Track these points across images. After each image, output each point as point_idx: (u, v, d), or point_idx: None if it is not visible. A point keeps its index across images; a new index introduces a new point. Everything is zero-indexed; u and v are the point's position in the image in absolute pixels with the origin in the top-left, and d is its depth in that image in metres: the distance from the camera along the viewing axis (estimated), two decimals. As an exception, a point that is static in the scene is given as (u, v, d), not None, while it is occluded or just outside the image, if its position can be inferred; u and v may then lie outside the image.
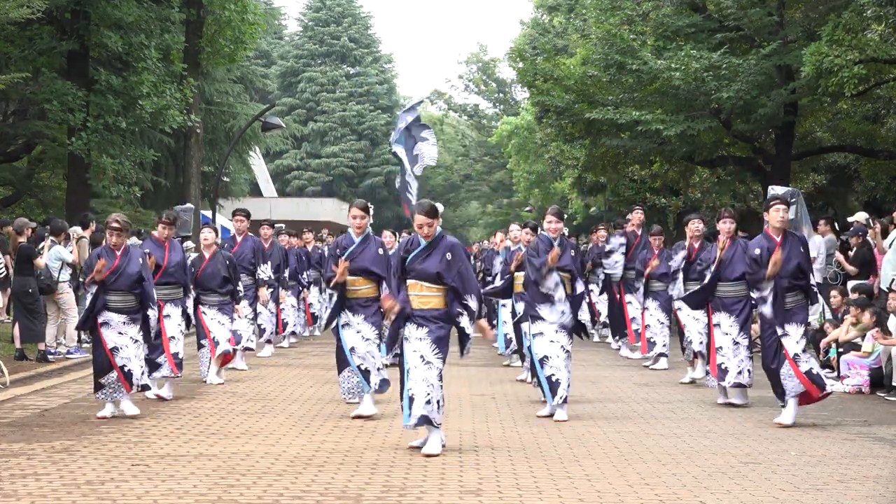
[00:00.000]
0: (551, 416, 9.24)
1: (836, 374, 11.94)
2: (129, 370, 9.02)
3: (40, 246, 13.28)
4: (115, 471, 6.71)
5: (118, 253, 9.10)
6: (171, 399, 10.15)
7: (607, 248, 15.37)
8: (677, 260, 12.04)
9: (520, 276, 11.07)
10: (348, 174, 53.08)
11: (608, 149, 22.26)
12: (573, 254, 9.54)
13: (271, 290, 13.87)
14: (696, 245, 11.71)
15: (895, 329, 11.27)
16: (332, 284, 9.20)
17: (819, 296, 9.38)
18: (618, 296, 15.43)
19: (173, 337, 10.29)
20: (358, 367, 9.14)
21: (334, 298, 9.31)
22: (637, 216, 14.98)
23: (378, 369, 9.20)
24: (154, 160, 23.43)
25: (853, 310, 12.09)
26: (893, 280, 12.38)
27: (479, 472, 6.84)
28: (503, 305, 13.67)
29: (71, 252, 13.65)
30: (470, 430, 8.56)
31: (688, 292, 11.81)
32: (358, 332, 9.13)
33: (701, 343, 11.84)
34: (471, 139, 57.27)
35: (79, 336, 13.83)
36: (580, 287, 9.45)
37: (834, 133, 22.07)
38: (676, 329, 13.06)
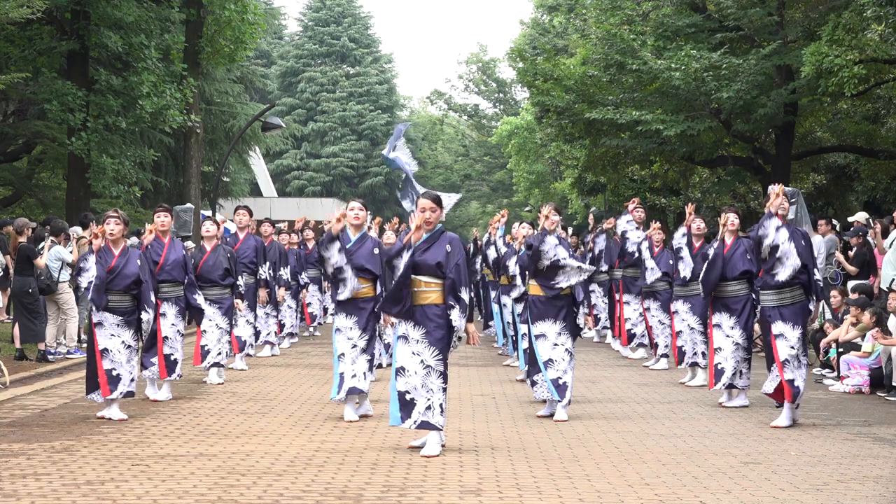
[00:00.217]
0: (551, 416, 9.25)
1: (836, 374, 11.94)
2: (117, 374, 8.92)
3: (40, 246, 13.28)
4: (115, 471, 6.71)
5: (116, 252, 9.06)
6: (170, 399, 10.16)
7: (629, 247, 14.32)
8: (678, 237, 11.87)
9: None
10: (348, 174, 53.09)
11: (608, 149, 22.28)
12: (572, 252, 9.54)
13: (268, 290, 13.85)
14: (697, 244, 11.69)
15: (895, 329, 11.27)
16: (330, 238, 8.76)
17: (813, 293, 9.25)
18: (616, 295, 15.43)
19: (167, 337, 10.22)
20: (340, 373, 8.98)
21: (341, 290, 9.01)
22: (638, 214, 14.76)
23: (353, 376, 8.94)
24: (154, 160, 23.43)
25: (853, 310, 12.09)
26: (893, 280, 12.38)
27: (479, 472, 6.84)
28: (504, 305, 13.67)
29: (71, 252, 13.64)
30: (470, 430, 8.56)
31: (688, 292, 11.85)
32: (349, 339, 8.99)
33: (695, 354, 11.85)
34: (471, 139, 57.24)
35: (79, 336, 13.84)
36: (580, 295, 9.43)
37: (834, 133, 22.09)
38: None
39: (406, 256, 7.49)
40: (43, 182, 25.03)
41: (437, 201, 7.62)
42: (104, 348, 8.95)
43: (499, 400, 10.51)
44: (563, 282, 9.27)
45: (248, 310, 13.05)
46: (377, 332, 9.19)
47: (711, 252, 10.04)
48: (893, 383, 10.86)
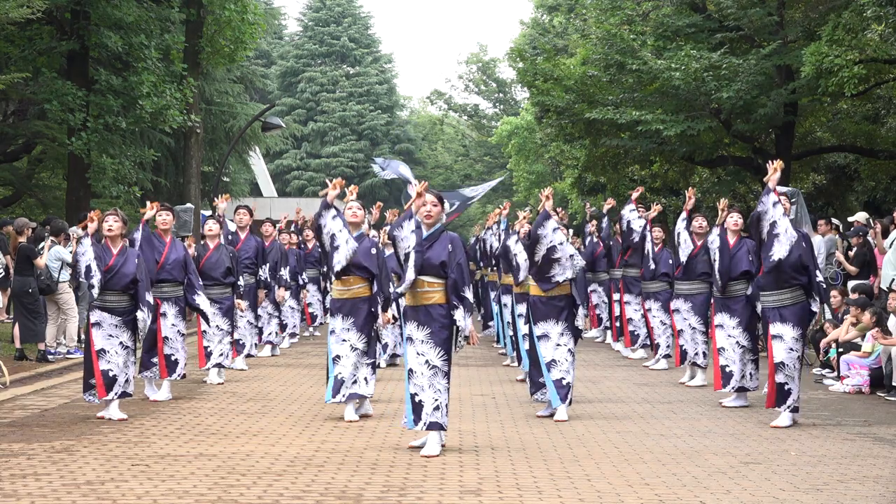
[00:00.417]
0: (551, 416, 9.25)
1: (836, 374, 11.94)
2: (113, 375, 8.90)
3: (40, 246, 13.28)
4: (115, 471, 6.71)
5: (114, 251, 9.05)
6: (170, 399, 10.16)
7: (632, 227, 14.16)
8: (679, 223, 11.80)
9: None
10: (348, 174, 53.06)
11: (608, 149, 22.27)
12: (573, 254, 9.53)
13: (267, 291, 13.85)
14: (699, 243, 11.67)
15: (895, 329, 11.27)
16: (325, 206, 8.85)
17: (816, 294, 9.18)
18: (616, 295, 15.44)
19: (167, 338, 10.21)
20: (335, 376, 8.96)
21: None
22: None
23: (354, 382, 8.96)
24: (154, 160, 23.42)
25: (853, 310, 12.09)
26: (893, 280, 12.38)
27: (479, 472, 6.84)
28: (505, 305, 13.67)
29: (71, 252, 13.64)
30: (470, 430, 8.56)
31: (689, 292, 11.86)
32: (345, 342, 8.97)
33: (696, 354, 11.84)
34: (471, 139, 57.21)
35: (79, 336, 13.83)
36: (578, 297, 9.43)
37: (834, 133, 22.08)
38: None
39: (409, 228, 7.45)
40: (43, 182, 25.03)
41: (440, 199, 7.65)
42: (101, 349, 8.93)
43: (499, 400, 10.51)
44: (558, 275, 9.25)
45: (250, 310, 13.08)
46: (375, 333, 9.16)
47: (714, 243, 10.02)
48: (893, 383, 10.87)
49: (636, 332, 14.76)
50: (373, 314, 9.00)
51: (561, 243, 9.22)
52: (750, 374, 10.02)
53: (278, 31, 54.98)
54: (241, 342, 12.97)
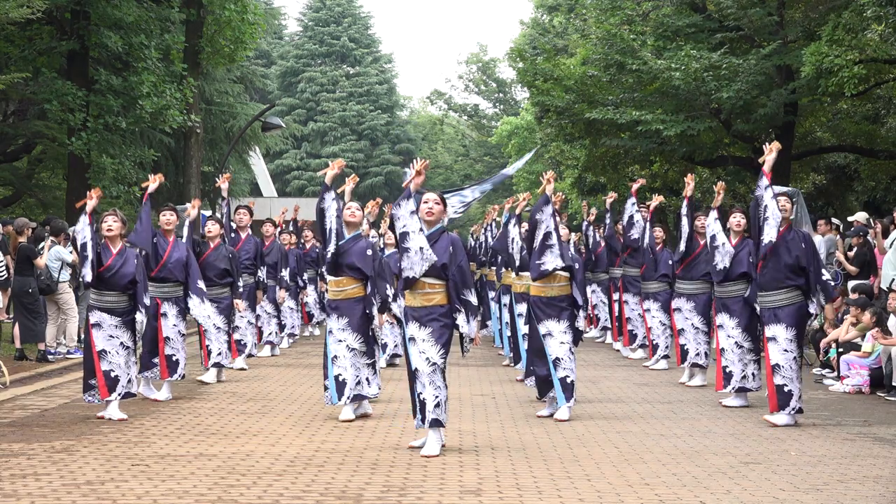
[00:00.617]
0: (551, 416, 9.26)
1: (836, 374, 11.94)
2: (115, 376, 8.90)
3: (40, 246, 13.28)
4: (115, 471, 6.71)
5: (113, 251, 9.04)
6: (170, 399, 10.16)
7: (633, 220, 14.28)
8: (682, 208, 11.79)
9: (524, 276, 11.08)
10: (348, 174, 52.96)
11: (608, 149, 22.28)
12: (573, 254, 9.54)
13: (265, 292, 13.85)
14: (701, 242, 11.65)
15: (895, 329, 11.27)
16: (325, 188, 8.88)
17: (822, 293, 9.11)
18: (615, 295, 15.43)
19: (168, 338, 10.20)
20: (335, 376, 8.97)
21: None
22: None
23: (357, 383, 8.97)
24: (154, 160, 23.41)
25: (853, 310, 12.09)
26: (893, 280, 12.38)
27: (479, 472, 6.84)
28: (505, 305, 13.67)
29: (71, 252, 13.64)
30: (470, 430, 8.56)
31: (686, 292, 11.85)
32: (341, 342, 8.99)
33: (697, 355, 11.83)
34: (471, 139, 57.21)
35: (79, 336, 13.83)
36: (580, 297, 9.43)
37: (834, 133, 22.08)
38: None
39: (407, 208, 7.44)
40: (43, 182, 25.03)
41: (442, 199, 7.66)
42: (102, 349, 8.93)
43: (499, 400, 10.51)
44: (548, 262, 9.24)
45: (249, 310, 13.09)
46: (372, 333, 9.16)
47: (716, 237, 10.03)
48: (893, 383, 10.87)
49: (635, 332, 14.78)
50: (367, 315, 9.01)
51: (556, 229, 9.24)
52: (752, 374, 10.02)
53: (278, 31, 54.98)
54: (242, 342, 12.99)
